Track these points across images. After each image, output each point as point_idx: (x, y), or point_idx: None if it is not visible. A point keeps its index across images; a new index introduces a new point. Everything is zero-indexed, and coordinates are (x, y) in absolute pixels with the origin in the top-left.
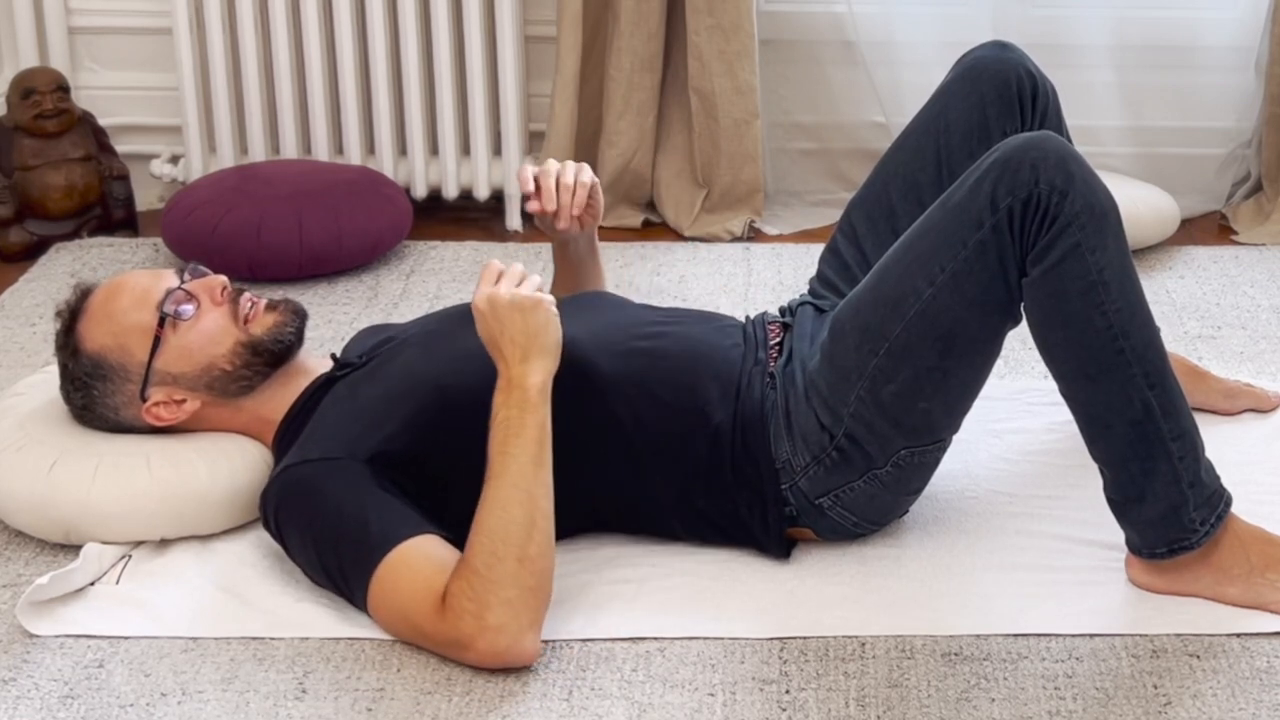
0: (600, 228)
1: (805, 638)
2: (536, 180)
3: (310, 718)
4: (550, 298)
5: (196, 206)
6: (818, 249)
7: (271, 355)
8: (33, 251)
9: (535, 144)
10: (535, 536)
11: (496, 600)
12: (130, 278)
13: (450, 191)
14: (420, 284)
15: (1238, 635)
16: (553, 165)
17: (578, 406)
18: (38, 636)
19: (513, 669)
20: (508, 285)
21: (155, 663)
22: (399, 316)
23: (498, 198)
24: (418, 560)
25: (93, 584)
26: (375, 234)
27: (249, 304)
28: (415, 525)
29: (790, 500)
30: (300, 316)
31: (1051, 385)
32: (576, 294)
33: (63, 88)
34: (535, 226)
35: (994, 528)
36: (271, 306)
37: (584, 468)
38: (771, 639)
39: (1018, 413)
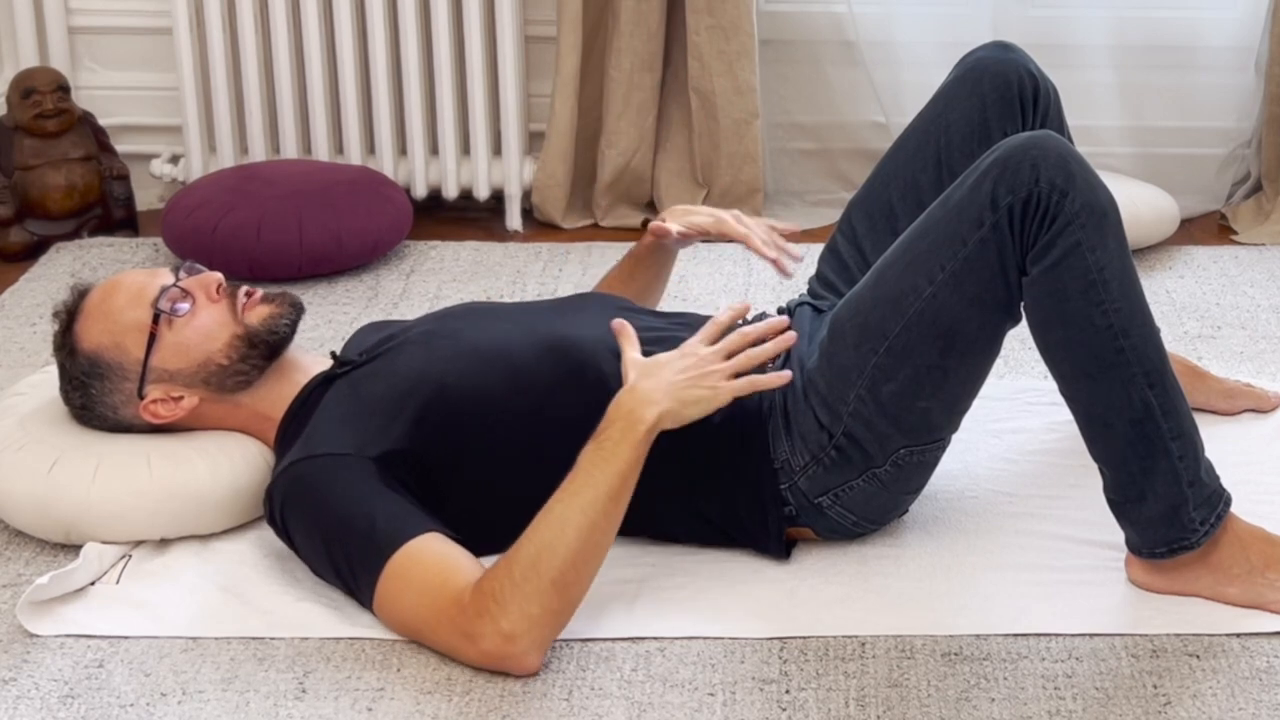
0: (599, 228)
1: (805, 638)
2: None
3: (310, 718)
4: (732, 391)
5: (196, 206)
6: (818, 249)
7: (267, 346)
8: (33, 251)
9: (535, 144)
10: (580, 567)
11: (519, 611)
12: (126, 276)
13: (450, 191)
14: (420, 284)
15: (1238, 635)
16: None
17: (578, 405)
18: (38, 636)
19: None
20: (726, 348)
21: (155, 663)
22: (399, 316)
23: (498, 198)
24: (428, 557)
25: (93, 584)
26: (375, 234)
27: (244, 295)
28: (423, 523)
29: (789, 500)
30: (296, 309)
31: (1051, 385)
32: (581, 294)
33: (63, 87)
34: (535, 227)
35: (994, 528)
36: (268, 299)
37: None
38: (771, 639)
39: (1018, 413)
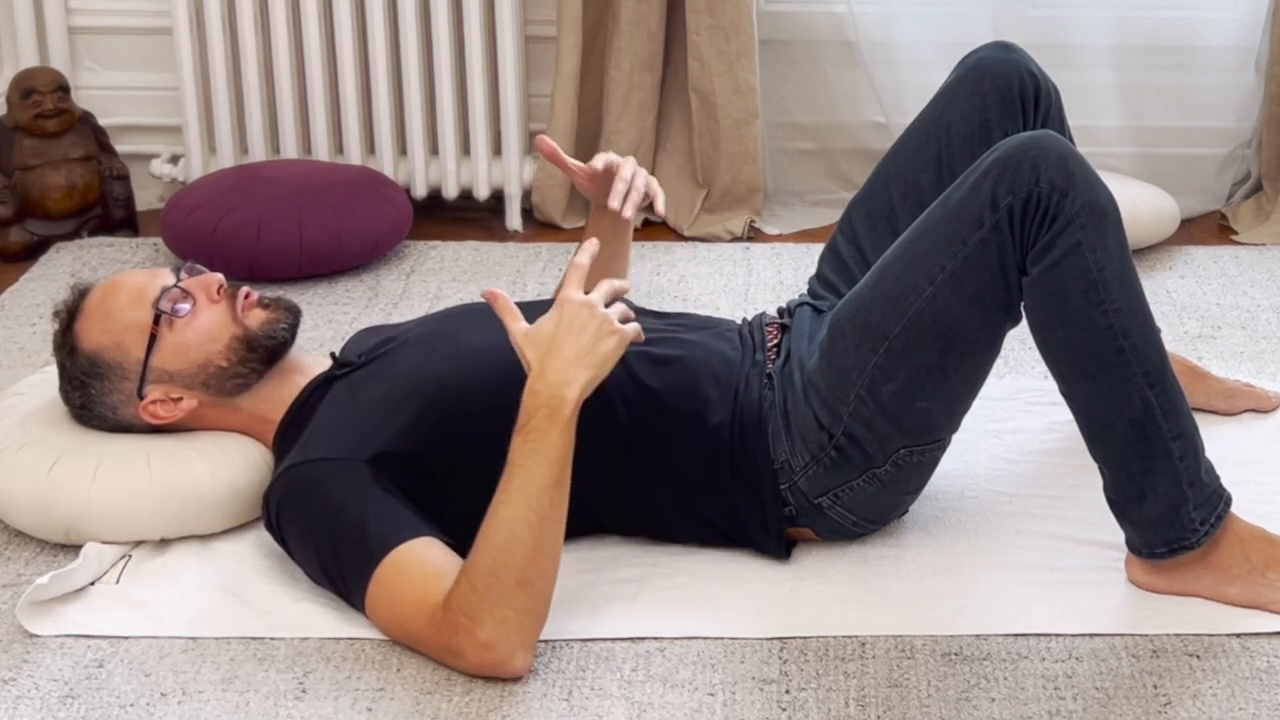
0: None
1: (805, 638)
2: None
3: (310, 718)
4: (629, 333)
5: (196, 206)
6: (818, 249)
7: (266, 351)
8: (33, 251)
9: (535, 144)
10: (539, 561)
11: (491, 618)
12: (126, 277)
13: (450, 191)
14: (420, 284)
15: (1238, 635)
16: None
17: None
18: (38, 636)
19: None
20: (604, 296)
21: (155, 663)
22: (399, 316)
23: (498, 197)
24: (414, 565)
25: (93, 584)
26: (375, 234)
27: (244, 296)
28: (414, 528)
29: (789, 500)
30: (294, 314)
31: (1051, 385)
32: None
33: (63, 87)
34: (535, 227)
35: (994, 528)
36: (263, 303)
37: (584, 470)
38: (771, 639)
39: (1018, 413)
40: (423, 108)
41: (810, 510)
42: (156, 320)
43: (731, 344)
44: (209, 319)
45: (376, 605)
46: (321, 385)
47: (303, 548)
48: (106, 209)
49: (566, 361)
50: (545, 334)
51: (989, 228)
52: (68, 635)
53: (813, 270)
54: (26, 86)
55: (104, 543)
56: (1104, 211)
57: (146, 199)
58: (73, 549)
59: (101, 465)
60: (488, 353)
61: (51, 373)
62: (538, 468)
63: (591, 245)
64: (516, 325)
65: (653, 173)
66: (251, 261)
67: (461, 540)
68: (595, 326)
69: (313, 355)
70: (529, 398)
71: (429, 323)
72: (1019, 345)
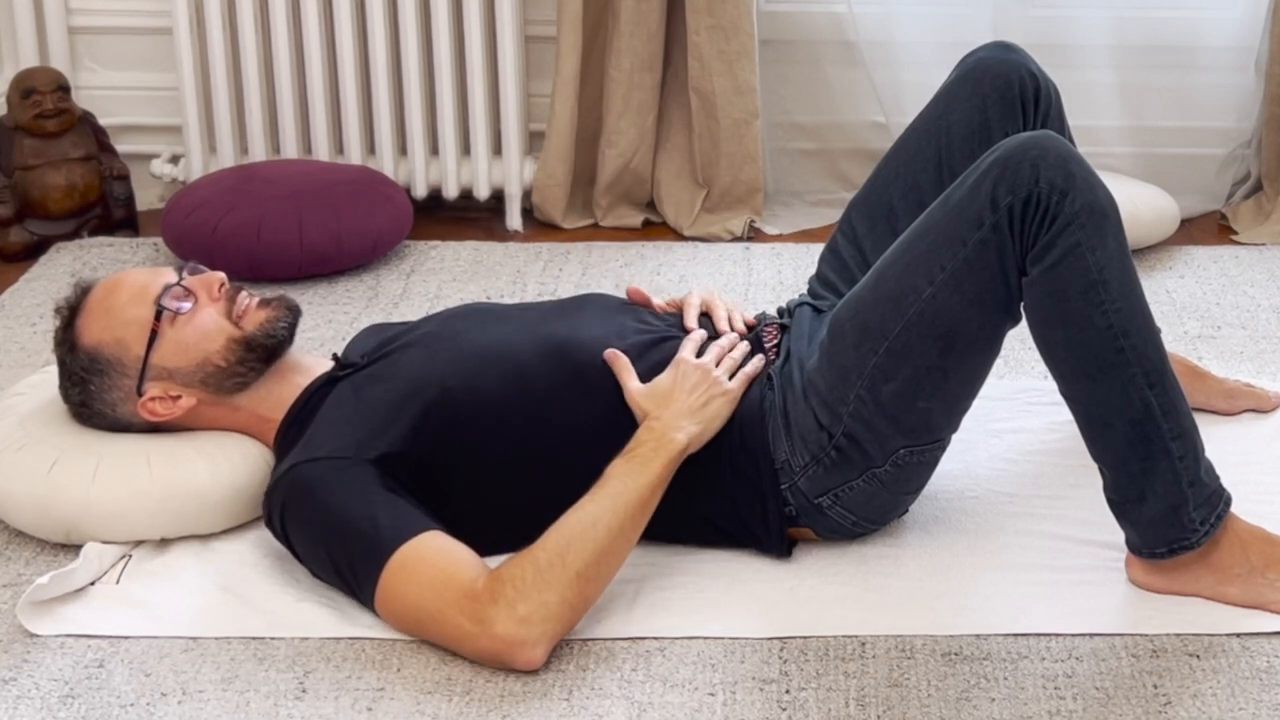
0: (599, 228)
1: (805, 638)
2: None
3: (310, 718)
4: (737, 390)
5: (196, 206)
6: (818, 249)
7: (265, 350)
8: (33, 251)
9: (535, 144)
10: (602, 565)
11: (537, 597)
12: (129, 274)
13: (450, 191)
14: (420, 284)
15: (1238, 635)
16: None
17: (580, 407)
18: (38, 636)
19: (511, 669)
20: (714, 359)
21: (155, 663)
22: (399, 316)
23: (498, 197)
24: (431, 552)
25: (93, 584)
26: (375, 234)
27: (244, 301)
28: (426, 522)
29: (790, 500)
30: (293, 312)
31: (1051, 385)
32: (579, 295)
33: (63, 87)
34: (535, 227)
35: (994, 528)
36: (265, 303)
37: (586, 469)
38: (771, 639)
39: (1018, 413)
40: (423, 108)
41: (810, 510)
42: (158, 317)
43: None
44: (207, 318)
45: (392, 592)
46: (324, 386)
47: (308, 541)
48: (107, 209)
49: (679, 413)
50: (662, 390)
51: (989, 228)
52: (68, 635)
53: (813, 270)
54: (26, 86)
55: (104, 543)
56: (1104, 212)
57: (147, 199)
58: (73, 549)
59: (101, 465)
60: (490, 354)
61: (51, 373)
62: (633, 485)
63: (703, 333)
64: (633, 384)
65: (653, 173)
66: (251, 261)
67: (463, 541)
68: (706, 387)
69: (313, 355)
70: (643, 431)
71: (431, 323)
72: (1019, 345)
